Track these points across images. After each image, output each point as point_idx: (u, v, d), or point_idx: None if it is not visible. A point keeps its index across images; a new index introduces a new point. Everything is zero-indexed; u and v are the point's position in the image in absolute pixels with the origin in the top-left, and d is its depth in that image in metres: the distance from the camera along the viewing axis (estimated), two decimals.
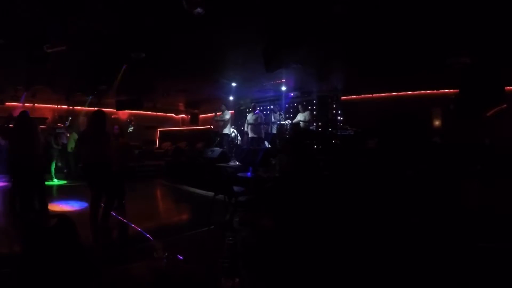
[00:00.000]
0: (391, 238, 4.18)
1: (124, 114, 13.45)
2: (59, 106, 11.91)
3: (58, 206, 5.93)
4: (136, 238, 4.38)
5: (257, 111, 9.74)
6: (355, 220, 4.71)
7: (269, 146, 8.94)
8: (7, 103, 10.64)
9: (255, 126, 9.36)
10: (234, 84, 9.09)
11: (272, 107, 10.34)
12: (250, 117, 9.60)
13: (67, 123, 10.12)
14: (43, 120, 10.83)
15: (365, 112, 8.80)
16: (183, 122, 16.08)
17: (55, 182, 8.70)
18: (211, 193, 5.45)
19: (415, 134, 6.60)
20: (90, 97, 10.06)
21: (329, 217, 4.59)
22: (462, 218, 4.37)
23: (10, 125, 5.69)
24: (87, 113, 8.74)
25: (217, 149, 8.76)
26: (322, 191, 5.12)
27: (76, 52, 5.73)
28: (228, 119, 9.99)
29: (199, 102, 13.02)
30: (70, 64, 6.72)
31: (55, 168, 8.90)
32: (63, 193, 7.44)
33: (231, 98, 10.76)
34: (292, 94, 10.50)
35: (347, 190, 5.69)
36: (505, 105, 6.38)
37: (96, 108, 5.44)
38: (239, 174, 5.83)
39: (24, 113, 5.35)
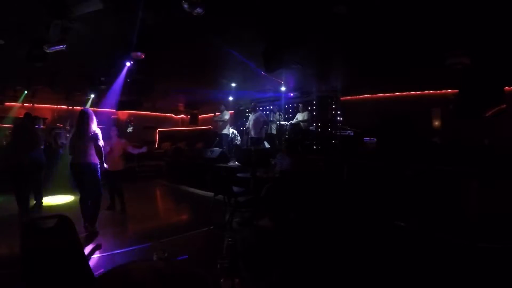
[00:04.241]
0: (390, 238, 4.19)
1: (124, 114, 13.46)
2: (58, 106, 11.89)
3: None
4: (136, 238, 4.37)
5: (258, 111, 9.73)
6: (354, 220, 4.71)
7: (269, 146, 8.94)
8: (6, 103, 10.64)
9: (257, 126, 9.34)
10: (233, 84, 9.09)
11: (271, 107, 10.34)
12: (251, 117, 9.58)
13: (68, 123, 10.12)
14: (42, 120, 10.81)
15: (365, 113, 8.80)
16: (182, 123, 16.08)
17: None
18: (210, 194, 5.45)
19: (414, 134, 6.60)
20: (91, 96, 10.06)
21: (329, 217, 4.60)
22: (461, 218, 4.38)
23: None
24: None
25: (217, 149, 8.75)
26: (322, 191, 5.12)
27: (76, 51, 5.73)
28: (228, 120, 9.99)
29: (198, 102, 13.02)
30: (70, 64, 6.71)
31: None
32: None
33: (230, 98, 10.76)
34: (291, 95, 10.50)
35: (346, 190, 5.70)
36: (504, 105, 6.39)
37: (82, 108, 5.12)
38: (239, 175, 5.83)
39: (26, 115, 5.48)
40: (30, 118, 5.65)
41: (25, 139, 5.28)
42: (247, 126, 9.68)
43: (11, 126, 9.23)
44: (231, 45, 5.75)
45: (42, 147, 5.57)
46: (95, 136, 4.40)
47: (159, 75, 8.06)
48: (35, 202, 5.64)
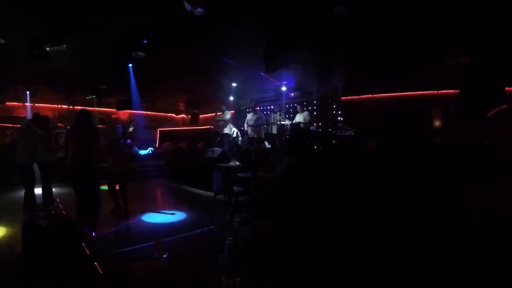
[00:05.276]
0: (391, 239, 4.19)
1: (125, 114, 13.46)
2: (59, 106, 11.91)
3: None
4: (136, 238, 4.38)
5: (258, 112, 9.73)
6: (356, 220, 4.71)
7: (269, 146, 8.94)
8: (7, 103, 10.67)
9: (255, 126, 9.33)
10: (234, 84, 9.09)
11: (272, 107, 10.34)
12: (250, 117, 9.58)
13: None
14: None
15: (365, 113, 8.80)
16: (183, 122, 16.08)
17: None
18: (211, 193, 5.45)
19: (415, 134, 6.60)
20: (94, 96, 10.08)
21: (329, 217, 4.59)
22: (461, 218, 4.37)
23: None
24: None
25: (217, 149, 8.74)
26: (322, 191, 5.12)
27: (76, 52, 5.75)
28: (228, 119, 9.99)
29: (199, 102, 13.04)
30: (70, 64, 6.72)
31: None
32: None
33: (231, 98, 10.77)
34: (292, 94, 10.50)
35: (347, 190, 5.70)
36: (505, 106, 6.38)
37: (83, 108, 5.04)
38: (239, 174, 5.82)
39: (34, 115, 5.56)
40: (37, 118, 5.65)
41: (29, 139, 5.32)
42: (246, 128, 9.68)
43: (11, 125, 9.34)
44: (232, 44, 5.76)
45: (48, 147, 5.59)
46: (95, 136, 4.32)
47: (159, 74, 8.07)
48: (45, 199, 5.62)
